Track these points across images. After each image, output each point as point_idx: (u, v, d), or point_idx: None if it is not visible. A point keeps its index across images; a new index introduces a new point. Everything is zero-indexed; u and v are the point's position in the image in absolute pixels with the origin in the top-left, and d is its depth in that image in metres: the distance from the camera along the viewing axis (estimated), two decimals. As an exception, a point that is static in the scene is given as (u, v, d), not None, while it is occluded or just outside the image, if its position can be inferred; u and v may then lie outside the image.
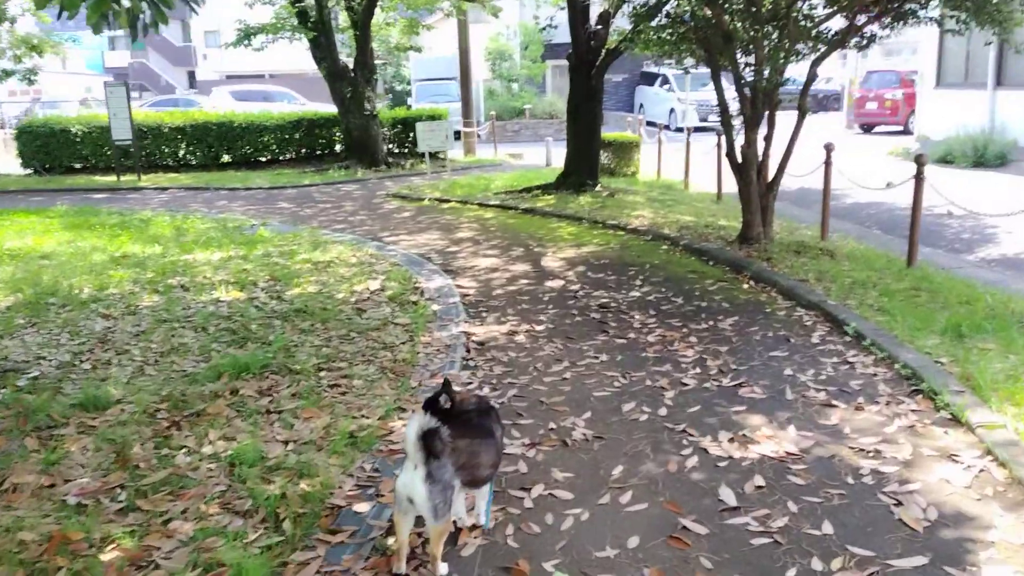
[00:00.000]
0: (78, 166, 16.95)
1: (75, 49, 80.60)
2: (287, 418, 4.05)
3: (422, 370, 4.76)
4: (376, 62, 41.51)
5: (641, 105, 30.46)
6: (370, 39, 16.94)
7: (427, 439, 2.54)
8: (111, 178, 15.74)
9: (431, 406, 2.88)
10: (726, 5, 7.49)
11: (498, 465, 3.02)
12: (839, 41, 7.55)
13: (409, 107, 23.30)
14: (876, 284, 6.28)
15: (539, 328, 5.64)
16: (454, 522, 2.92)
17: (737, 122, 8.05)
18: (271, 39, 16.50)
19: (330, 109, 18.20)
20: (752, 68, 7.57)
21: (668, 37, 8.41)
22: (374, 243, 9.09)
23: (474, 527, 3.02)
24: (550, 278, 7.15)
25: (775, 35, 7.37)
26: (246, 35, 16.24)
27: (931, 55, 19.75)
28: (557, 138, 26.12)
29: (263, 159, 17.94)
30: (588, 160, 12.02)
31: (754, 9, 7.23)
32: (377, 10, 18.61)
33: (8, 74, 17.11)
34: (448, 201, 12.14)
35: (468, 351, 5.16)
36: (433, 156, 16.35)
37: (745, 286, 6.57)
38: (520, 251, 8.41)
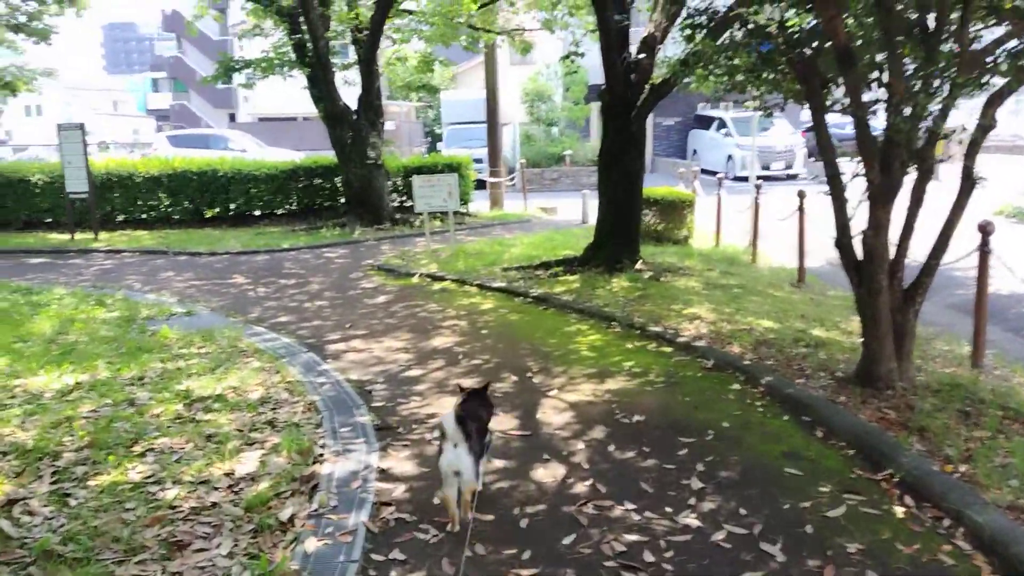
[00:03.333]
0: (49, 220, 14.68)
1: (127, 93, 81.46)
2: None
3: None
4: (415, 104, 39.69)
5: (695, 151, 27.60)
6: (376, 76, 14.44)
7: (463, 424, 3.33)
8: (66, 237, 13.42)
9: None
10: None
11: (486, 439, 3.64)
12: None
13: (435, 152, 20.82)
14: None
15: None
16: None
17: (851, 190, 5.11)
18: (256, 75, 14.11)
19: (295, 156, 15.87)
20: (886, 107, 4.63)
21: (744, 62, 5.50)
22: (308, 355, 6.30)
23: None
24: (544, 457, 4.23)
25: (930, 54, 4.41)
26: (226, 70, 13.88)
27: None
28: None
29: (256, 213, 15.48)
30: (626, 228, 9.12)
31: (896, 6, 4.32)
32: (389, 43, 16.26)
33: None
34: (443, 279, 9.34)
35: None
36: (446, 214, 13.63)
37: (899, 511, 3.52)
38: (510, 383, 5.51)
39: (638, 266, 8.93)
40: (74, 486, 3.91)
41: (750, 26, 5.08)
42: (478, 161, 20.10)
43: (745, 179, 15.69)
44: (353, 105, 14.33)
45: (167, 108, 57.18)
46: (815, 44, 5.16)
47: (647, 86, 8.75)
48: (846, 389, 5.01)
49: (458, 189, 11.00)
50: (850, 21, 4.89)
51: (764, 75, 5.47)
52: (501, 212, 16.84)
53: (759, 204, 10.81)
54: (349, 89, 15.38)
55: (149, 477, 4.00)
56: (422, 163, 15.81)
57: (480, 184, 18.13)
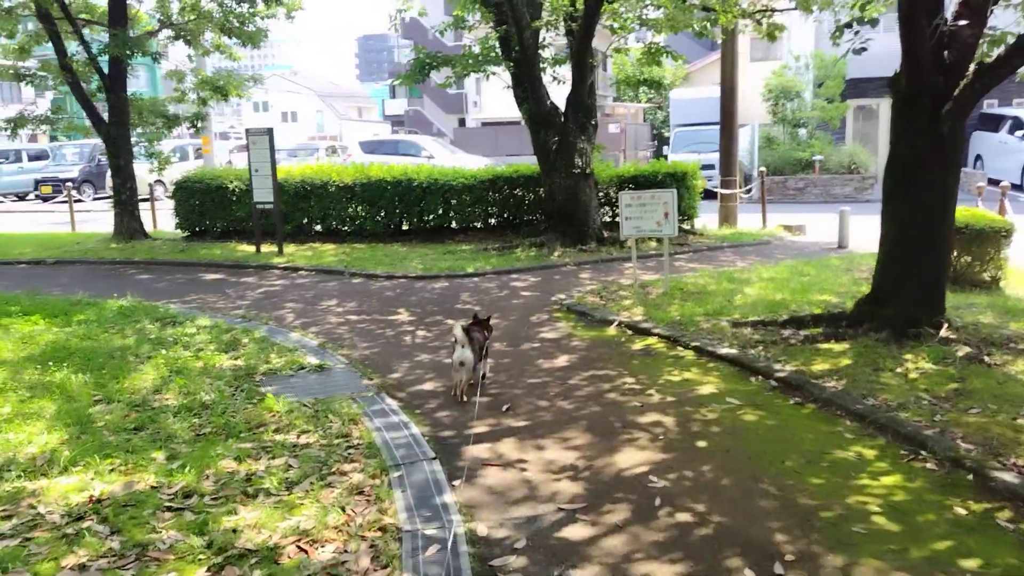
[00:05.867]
0: (244, 229, 14.09)
1: (372, 99, 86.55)
2: None
3: None
4: (644, 104, 37.04)
5: (979, 157, 22.73)
6: (590, 71, 12.30)
7: (467, 333, 5.25)
8: (253, 249, 12.63)
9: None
10: None
11: (484, 348, 5.58)
12: None
13: (659, 158, 18.27)
14: None
15: None
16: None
17: None
18: (458, 73, 12.53)
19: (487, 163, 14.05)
20: None
21: None
22: (431, 468, 4.25)
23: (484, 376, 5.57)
24: None
25: None
26: (420, 68, 12.41)
27: None
28: (857, 200, 19.48)
29: (454, 226, 13.94)
30: (926, 273, 6.18)
31: None
32: (607, 34, 14.05)
33: (175, 121, 14.85)
34: (648, 333, 6.96)
35: None
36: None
37: None
38: (743, 590, 3.08)
39: (943, 332, 5.98)
40: None
41: None
42: (708, 168, 17.33)
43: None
44: (562, 106, 12.33)
45: (402, 114, 59.20)
46: None
47: (971, 67, 5.81)
48: None
49: (676, 208, 8.51)
50: None
51: None
52: (733, 230, 14.05)
53: None
54: (561, 88, 13.42)
55: None
56: (638, 171, 13.40)
57: (709, 194, 15.40)
